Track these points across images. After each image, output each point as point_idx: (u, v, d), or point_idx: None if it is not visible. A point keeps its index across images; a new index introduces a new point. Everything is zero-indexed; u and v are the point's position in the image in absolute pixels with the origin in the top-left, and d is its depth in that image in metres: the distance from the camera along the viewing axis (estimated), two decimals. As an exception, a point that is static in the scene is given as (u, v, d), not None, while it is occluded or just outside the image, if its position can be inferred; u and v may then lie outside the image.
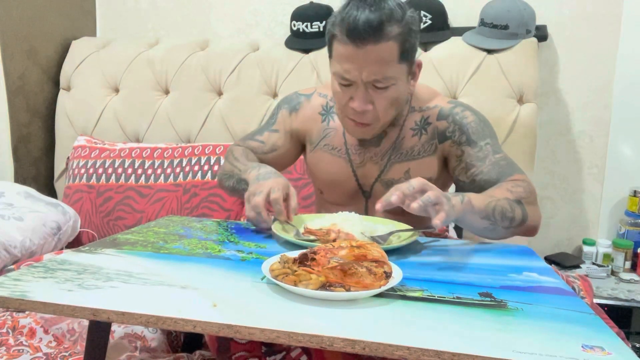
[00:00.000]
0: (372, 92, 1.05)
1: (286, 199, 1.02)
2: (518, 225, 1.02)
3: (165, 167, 1.84)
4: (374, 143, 1.19)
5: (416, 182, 0.88)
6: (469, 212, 0.95)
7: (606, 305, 1.65)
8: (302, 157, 1.36)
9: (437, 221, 0.85)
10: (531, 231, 1.06)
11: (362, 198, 1.23)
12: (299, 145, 1.30)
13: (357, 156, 1.21)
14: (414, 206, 0.85)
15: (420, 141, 1.17)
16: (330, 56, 1.09)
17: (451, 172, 1.18)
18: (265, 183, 1.02)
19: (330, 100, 1.25)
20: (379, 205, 0.89)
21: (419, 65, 1.12)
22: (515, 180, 1.07)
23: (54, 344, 1.10)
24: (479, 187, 1.09)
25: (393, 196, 0.87)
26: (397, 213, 1.02)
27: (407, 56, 1.05)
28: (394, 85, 1.05)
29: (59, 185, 2.11)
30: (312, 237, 0.94)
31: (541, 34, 1.87)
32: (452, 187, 1.40)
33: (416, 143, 1.17)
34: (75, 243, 1.77)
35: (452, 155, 1.16)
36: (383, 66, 1.02)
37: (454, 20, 1.98)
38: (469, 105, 1.20)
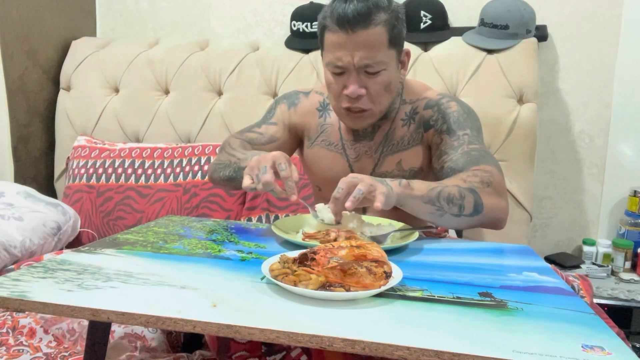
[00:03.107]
0: (365, 78, 1.09)
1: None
2: (472, 214, 1.00)
3: (165, 167, 1.84)
4: (367, 137, 1.22)
5: (342, 182, 0.91)
6: (408, 196, 0.96)
7: (606, 305, 1.65)
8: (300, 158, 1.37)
9: (377, 204, 0.87)
10: (495, 224, 1.05)
11: None
12: (297, 139, 1.32)
13: (352, 151, 1.23)
14: (348, 205, 0.88)
15: (409, 131, 1.20)
16: (322, 49, 1.12)
17: (432, 161, 1.19)
18: (267, 156, 0.99)
19: (327, 98, 1.27)
20: (336, 219, 0.94)
21: (408, 54, 1.16)
22: (476, 170, 1.06)
23: (54, 344, 1.10)
24: (446, 174, 1.10)
25: (331, 205, 0.92)
26: (396, 211, 1.02)
27: (395, 42, 1.09)
28: (385, 71, 1.09)
29: (59, 185, 2.11)
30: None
31: (541, 34, 1.87)
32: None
33: (405, 133, 1.20)
34: (75, 243, 1.77)
35: (433, 143, 1.18)
36: (373, 50, 1.06)
37: (454, 20, 1.98)
38: (459, 98, 1.23)
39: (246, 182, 0.98)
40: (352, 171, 1.23)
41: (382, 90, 1.10)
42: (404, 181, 0.97)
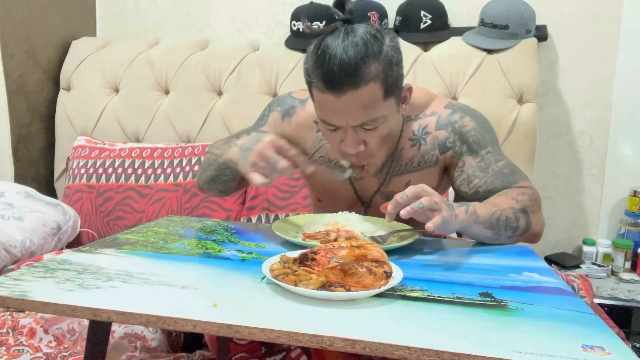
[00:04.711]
0: (362, 133, 1.00)
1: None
2: (521, 234, 1.02)
3: (165, 167, 1.84)
4: None
5: (410, 190, 0.88)
6: (473, 222, 0.95)
7: (606, 305, 1.65)
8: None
9: (429, 225, 0.85)
10: (534, 238, 1.06)
11: (361, 208, 1.21)
12: None
13: None
14: (402, 213, 0.86)
15: (420, 152, 1.12)
16: (311, 96, 1.03)
17: (452, 181, 1.15)
18: (264, 145, 0.93)
19: None
20: (387, 219, 0.90)
21: (409, 90, 1.05)
22: (521, 188, 1.06)
23: (54, 344, 1.10)
24: (483, 197, 1.07)
25: (389, 206, 0.89)
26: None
27: (392, 91, 0.98)
28: (383, 123, 1.00)
29: (59, 185, 2.11)
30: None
31: (541, 34, 1.87)
32: (451, 193, 1.41)
33: (415, 154, 1.13)
34: (75, 243, 1.77)
35: (453, 165, 1.13)
36: (367, 109, 0.95)
37: (454, 20, 1.98)
38: (467, 107, 1.15)
39: (257, 179, 0.91)
40: (354, 189, 1.19)
41: (381, 142, 1.03)
42: (470, 208, 0.94)
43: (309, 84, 1.00)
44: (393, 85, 0.97)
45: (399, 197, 0.88)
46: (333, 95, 0.94)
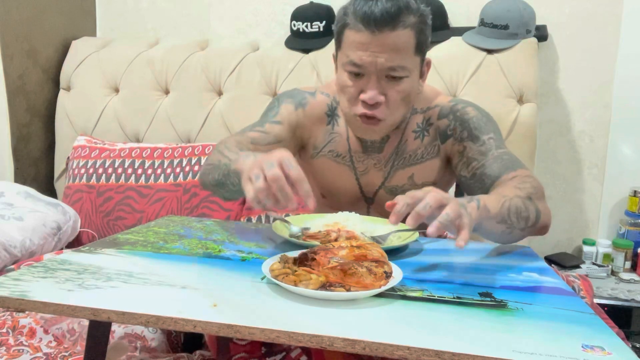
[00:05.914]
0: (385, 84, 1.02)
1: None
2: (533, 224, 0.96)
3: (165, 167, 1.84)
4: (376, 149, 1.16)
5: (432, 198, 0.77)
6: (485, 218, 0.88)
7: (606, 305, 1.65)
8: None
9: (460, 242, 0.76)
10: (543, 230, 1.00)
11: (364, 204, 1.21)
12: (299, 142, 1.21)
13: (360, 164, 1.17)
14: (431, 231, 0.75)
15: (423, 143, 1.14)
16: (338, 47, 1.05)
17: (454, 169, 1.14)
18: (270, 155, 0.81)
19: (334, 101, 1.19)
20: (393, 220, 0.79)
21: (428, 64, 1.10)
22: (521, 177, 1.02)
23: (54, 344, 1.10)
24: (480, 181, 1.06)
25: (409, 219, 0.78)
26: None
27: (421, 49, 1.03)
28: (407, 78, 1.02)
29: (59, 185, 2.11)
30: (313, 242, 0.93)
31: (541, 34, 1.87)
32: (452, 189, 1.42)
33: (419, 146, 1.14)
34: (75, 243, 1.77)
35: (454, 152, 1.12)
36: (400, 54, 1.00)
37: (454, 20, 1.98)
38: (472, 102, 1.16)
39: (249, 193, 0.79)
40: (359, 184, 1.19)
41: (400, 100, 1.03)
42: (481, 203, 0.86)
43: (343, 27, 1.03)
44: (423, 44, 1.04)
45: (420, 208, 0.77)
46: (370, 34, 0.98)
